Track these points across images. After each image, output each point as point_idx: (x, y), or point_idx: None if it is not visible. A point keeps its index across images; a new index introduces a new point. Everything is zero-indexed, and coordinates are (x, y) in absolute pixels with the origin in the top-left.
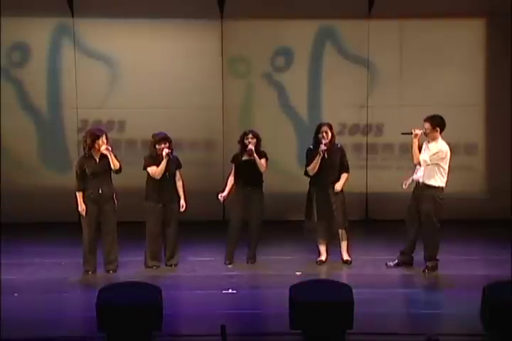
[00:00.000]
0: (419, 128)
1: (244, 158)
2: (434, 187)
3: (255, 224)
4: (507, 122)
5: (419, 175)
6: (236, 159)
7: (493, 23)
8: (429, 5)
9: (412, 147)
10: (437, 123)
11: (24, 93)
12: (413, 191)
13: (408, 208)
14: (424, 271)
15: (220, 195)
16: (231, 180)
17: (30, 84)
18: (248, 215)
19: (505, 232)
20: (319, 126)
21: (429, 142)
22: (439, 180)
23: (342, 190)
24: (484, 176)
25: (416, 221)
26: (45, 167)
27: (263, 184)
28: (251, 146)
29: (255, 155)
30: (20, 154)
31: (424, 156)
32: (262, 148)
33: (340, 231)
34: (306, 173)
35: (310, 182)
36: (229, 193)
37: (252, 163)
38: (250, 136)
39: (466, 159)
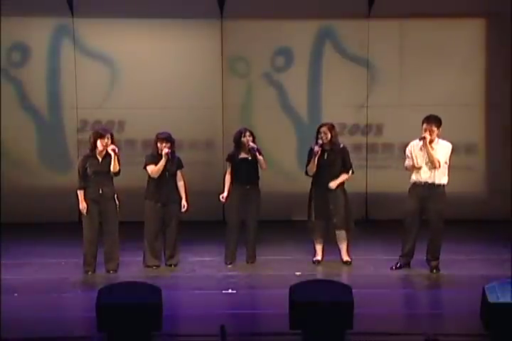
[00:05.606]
0: (422, 132)
1: (242, 156)
2: (444, 185)
3: (253, 224)
4: (507, 122)
5: (426, 176)
6: (232, 158)
7: (493, 23)
8: (429, 5)
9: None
10: (440, 122)
11: (24, 93)
12: (415, 193)
13: (410, 212)
14: (432, 270)
15: (221, 196)
16: (228, 179)
17: (30, 84)
18: (246, 214)
19: (505, 232)
20: (319, 127)
21: (431, 143)
22: (447, 177)
23: (345, 192)
24: (484, 176)
25: (418, 223)
26: (45, 167)
27: (259, 181)
28: (254, 145)
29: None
30: (20, 154)
31: (440, 158)
32: (262, 148)
33: (338, 232)
34: (306, 173)
35: (312, 182)
36: (228, 193)
37: (249, 161)
38: (248, 133)
39: (466, 159)
